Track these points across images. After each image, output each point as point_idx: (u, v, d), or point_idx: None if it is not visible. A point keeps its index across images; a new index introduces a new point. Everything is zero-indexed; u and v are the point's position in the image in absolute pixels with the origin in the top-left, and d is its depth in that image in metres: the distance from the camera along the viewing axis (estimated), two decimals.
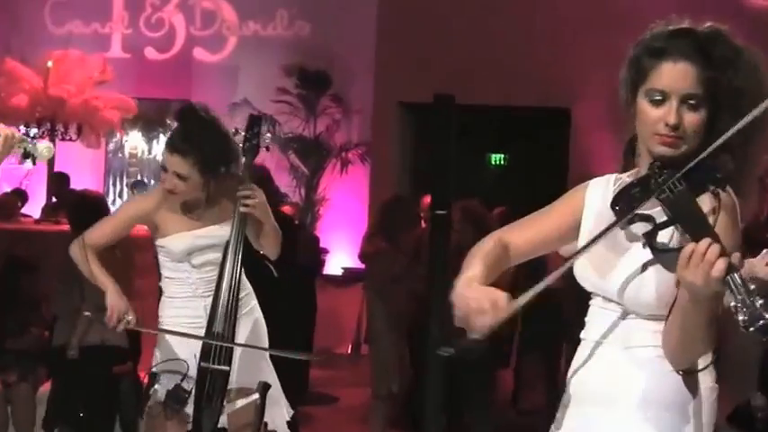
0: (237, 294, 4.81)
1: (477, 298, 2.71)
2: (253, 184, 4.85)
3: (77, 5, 15.25)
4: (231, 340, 4.76)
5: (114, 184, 15.45)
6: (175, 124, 4.94)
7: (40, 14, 15.29)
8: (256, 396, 4.88)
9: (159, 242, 4.95)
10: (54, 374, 7.29)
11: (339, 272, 13.40)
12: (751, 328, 2.31)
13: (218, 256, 4.87)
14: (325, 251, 12.96)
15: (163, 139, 14.84)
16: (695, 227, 2.53)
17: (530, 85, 12.25)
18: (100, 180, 14.98)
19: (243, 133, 5.00)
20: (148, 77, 14.67)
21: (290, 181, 13.69)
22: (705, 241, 2.43)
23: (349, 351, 12.66)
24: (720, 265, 2.39)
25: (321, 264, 12.48)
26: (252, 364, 4.95)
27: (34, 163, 4.42)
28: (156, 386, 4.82)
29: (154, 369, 4.83)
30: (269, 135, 5.22)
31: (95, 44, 14.71)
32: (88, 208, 7.01)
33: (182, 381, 4.73)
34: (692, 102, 2.70)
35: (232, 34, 14.98)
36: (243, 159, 4.93)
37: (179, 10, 15.17)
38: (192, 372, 4.78)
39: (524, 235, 3.00)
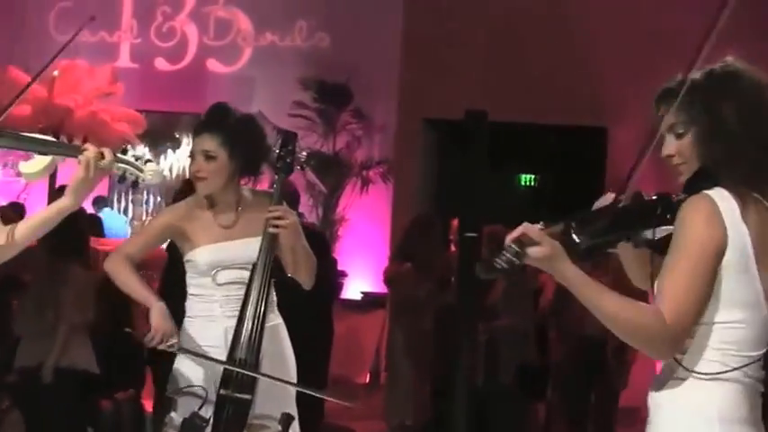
0: (263, 321, 4.74)
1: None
2: (284, 205, 4.82)
3: (84, 13, 14.87)
4: (255, 369, 4.68)
5: (120, 200, 15.18)
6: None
7: (45, 22, 15.04)
8: (279, 429, 4.70)
9: (187, 256, 4.88)
10: (20, 401, 7.18)
11: (358, 296, 13.17)
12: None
13: (244, 275, 4.79)
14: (344, 274, 12.69)
15: (171, 154, 14.58)
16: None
17: (563, 103, 12.10)
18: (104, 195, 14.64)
19: (276, 151, 4.86)
20: (158, 89, 14.46)
21: (306, 200, 13.26)
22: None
23: (367, 380, 12.32)
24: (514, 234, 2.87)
25: (339, 287, 12.12)
26: (275, 392, 4.81)
27: (135, 186, 4.23)
28: (172, 413, 4.69)
29: (170, 394, 4.73)
30: (304, 153, 4.93)
31: (103, 53, 14.44)
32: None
33: (199, 408, 4.61)
34: (677, 131, 3.07)
35: (247, 45, 14.76)
36: (276, 177, 4.86)
37: (191, 19, 14.94)
38: (211, 398, 4.69)
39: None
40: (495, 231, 7.72)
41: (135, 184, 4.21)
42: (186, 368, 4.82)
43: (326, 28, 14.27)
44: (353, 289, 13.18)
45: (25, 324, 7.11)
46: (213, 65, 14.82)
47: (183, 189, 8.54)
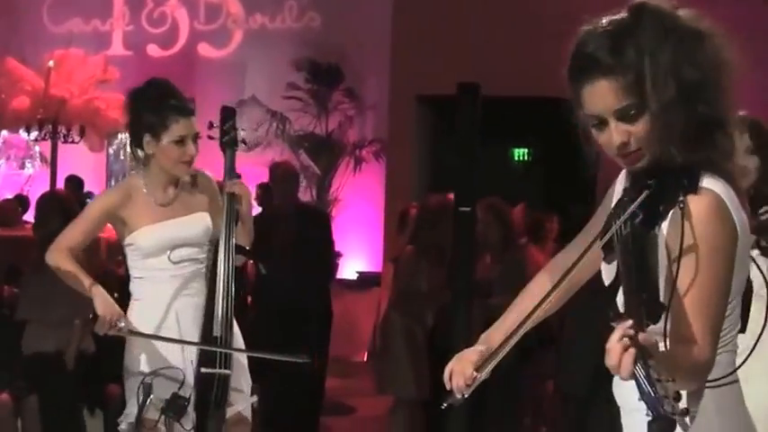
0: (233, 295, 4.79)
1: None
2: (238, 179, 4.89)
3: (76, 3, 15.30)
4: (229, 344, 4.77)
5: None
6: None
7: (39, 13, 15.32)
8: (255, 398, 4.93)
9: (129, 239, 4.87)
10: (37, 386, 7.18)
11: (353, 276, 13.39)
12: (653, 425, 2.24)
13: (193, 251, 4.88)
14: (339, 254, 12.86)
15: None
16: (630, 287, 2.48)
17: (555, 76, 12.03)
18: (101, 184, 14.90)
19: (217, 127, 4.99)
20: (151, 75, 14.35)
21: (300, 181, 13.50)
22: (616, 334, 2.29)
23: (365, 359, 12.50)
24: (627, 359, 2.27)
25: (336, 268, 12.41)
26: (239, 365, 4.92)
27: None
28: (151, 397, 4.67)
29: (147, 379, 4.67)
30: (243, 130, 5.14)
31: (96, 42, 14.74)
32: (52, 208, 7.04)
33: (179, 389, 4.63)
34: (629, 113, 2.59)
35: (238, 28, 15.00)
36: (225, 154, 4.94)
37: (181, 4, 15.19)
38: (189, 379, 4.71)
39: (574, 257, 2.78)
40: (491, 203, 7.83)
41: None
42: (158, 351, 4.79)
43: (316, 8, 14.46)
44: (349, 269, 13.34)
45: (30, 309, 7.09)
46: (205, 49, 15.05)
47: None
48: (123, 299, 7.28)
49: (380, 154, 13.78)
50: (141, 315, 4.85)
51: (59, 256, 4.76)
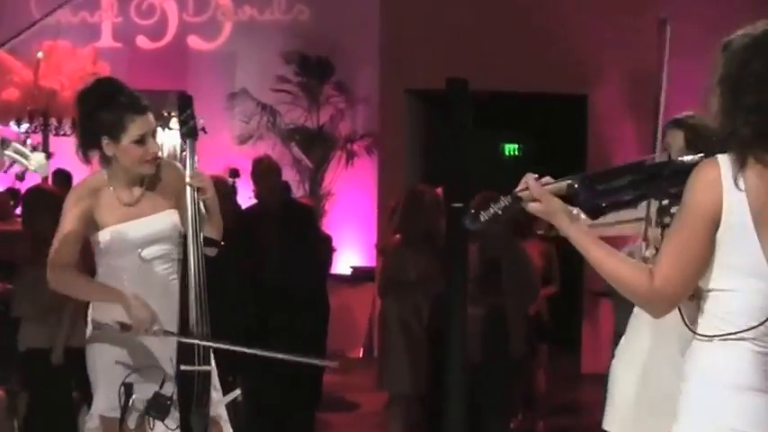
0: (206, 288, 4.70)
1: None
2: (198, 171, 4.80)
3: None
4: (207, 338, 4.70)
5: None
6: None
7: (26, 3, 15.31)
8: (238, 392, 4.97)
9: (95, 237, 4.77)
10: (29, 382, 7.19)
11: (348, 271, 13.44)
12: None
13: (165, 248, 4.82)
14: (333, 249, 12.93)
15: (160, 132, 14.78)
16: None
17: (544, 71, 12.18)
18: None
19: (174, 116, 4.89)
20: (141, 67, 14.57)
21: (293, 175, 13.60)
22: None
23: (361, 354, 12.75)
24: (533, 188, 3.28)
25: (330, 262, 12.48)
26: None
27: (21, 178, 4.20)
28: (133, 397, 4.65)
29: (128, 379, 4.64)
30: (201, 120, 5.04)
31: (84, 34, 14.75)
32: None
33: (160, 388, 4.62)
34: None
35: (227, 20, 15.03)
36: (185, 145, 4.82)
37: None
38: (170, 377, 4.70)
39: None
40: (488, 197, 7.84)
41: (21, 176, 4.11)
42: (137, 349, 4.72)
43: (305, 0, 14.53)
44: (343, 264, 13.38)
45: (23, 305, 7.06)
46: (194, 41, 15.09)
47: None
48: None
49: (372, 148, 13.83)
50: (104, 311, 4.72)
51: (62, 275, 4.62)
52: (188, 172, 4.76)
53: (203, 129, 5.05)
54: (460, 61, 11.42)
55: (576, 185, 3.21)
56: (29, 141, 4.20)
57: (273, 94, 14.03)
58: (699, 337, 3.09)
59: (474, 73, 7.99)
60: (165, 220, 4.83)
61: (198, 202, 4.77)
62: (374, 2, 13.43)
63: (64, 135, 13.28)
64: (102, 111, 4.63)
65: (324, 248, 10.21)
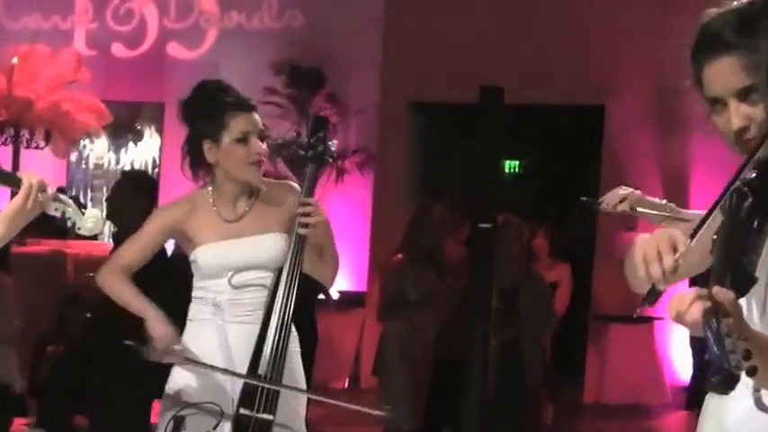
0: (288, 333, 4.51)
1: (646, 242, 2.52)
2: (314, 200, 4.57)
3: None
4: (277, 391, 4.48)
5: (77, 199, 14.81)
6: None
7: None
8: None
9: (192, 256, 4.64)
10: None
11: (335, 295, 12.88)
12: (714, 378, 2.36)
13: (259, 276, 4.57)
14: None
15: (132, 147, 14.39)
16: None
17: (556, 81, 11.91)
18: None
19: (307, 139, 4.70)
20: (116, 77, 14.29)
21: None
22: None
23: (346, 385, 12.56)
24: (696, 307, 2.30)
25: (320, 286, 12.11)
26: (288, 414, 4.62)
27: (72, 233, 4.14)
28: None
29: (183, 412, 4.42)
30: (335, 141, 4.82)
31: (56, 40, 14.25)
32: None
33: (214, 428, 4.42)
34: (751, 94, 2.53)
35: (212, 27, 14.60)
36: (307, 169, 4.61)
37: (150, 0, 14.77)
38: (227, 418, 4.46)
39: None
40: (508, 221, 7.82)
41: (71, 231, 4.04)
42: (198, 381, 4.58)
43: (298, 6, 14.15)
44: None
45: None
46: (175, 49, 14.66)
47: None
48: (104, 317, 6.87)
49: (365, 165, 13.41)
50: (191, 338, 4.61)
51: (111, 277, 4.60)
52: (301, 200, 4.54)
53: (332, 157, 4.82)
54: (465, 72, 11.26)
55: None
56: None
57: (260, 107, 13.36)
58: None
59: (478, 84, 7.82)
60: (269, 243, 4.60)
61: (303, 235, 4.50)
62: (375, 9, 13.19)
63: (36, 148, 12.79)
64: (202, 112, 4.55)
65: None
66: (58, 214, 3.81)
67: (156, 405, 7.72)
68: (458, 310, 8.21)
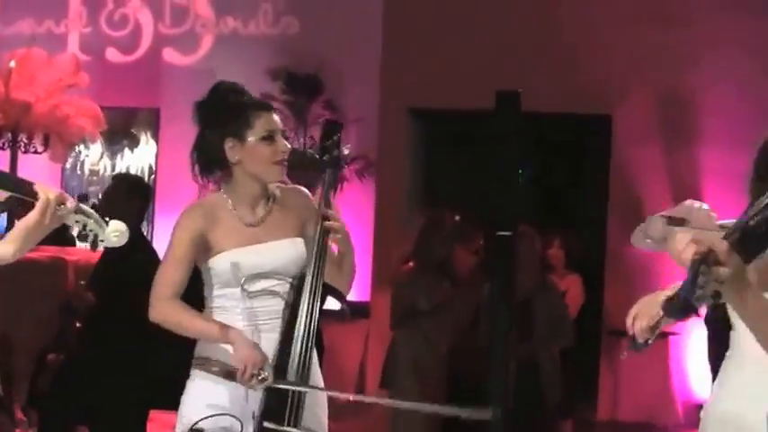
0: (313, 343, 4.44)
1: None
2: (333, 211, 4.52)
3: (28, 1, 14.63)
4: (303, 400, 4.39)
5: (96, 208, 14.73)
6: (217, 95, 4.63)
7: None
8: None
9: (210, 263, 4.50)
10: None
11: (336, 306, 12.74)
12: (670, 302, 2.71)
13: (273, 283, 4.47)
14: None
15: (128, 153, 14.24)
16: None
17: (561, 89, 11.74)
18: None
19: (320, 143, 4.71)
20: (111, 82, 14.09)
21: None
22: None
23: (351, 397, 12.06)
24: (690, 249, 2.74)
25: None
26: (314, 423, 4.61)
27: (95, 247, 3.94)
28: None
29: (199, 425, 4.33)
30: (348, 149, 4.85)
31: (50, 45, 14.07)
32: None
33: None
34: None
35: (207, 32, 14.43)
36: (324, 175, 4.60)
37: (145, 5, 14.62)
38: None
39: None
40: (522, 231, 7.71)
41: (93, 244, 3.93)
42: (216, 392, 4.45)
43: (294, 12, 13.99)
44: (331, 298, 12.85)
45: None
46: (170, 55, 14.51)
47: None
48: (92, 327, 6.81)
49: (364, 172, 13.22)
50: (213, 349, 4.47)
51: (166, 309, 4.41)
52: (322, 205, 4.52)
53: (347, 160, 4.67)
54: (467, 78, 11.28)
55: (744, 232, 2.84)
56: None
57: None
58: None
59: (481, 91, 7.69)
60: (290, 249, 4.52)
61: (325, 242, 4.47)
62: (373, 15, 13.01)
63: (35, 152, 12.61)
64: (225, 112, 4.51)
65: None
66: (78, 227, 3.74)
67: (153, 415, 7.73)
68: (472, 323, 8.12)
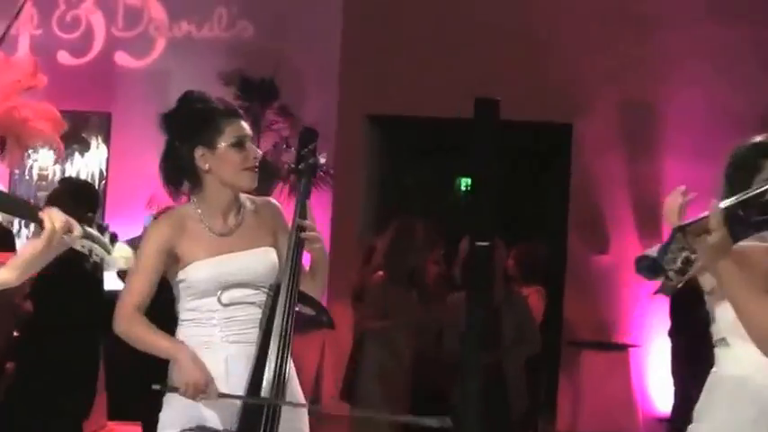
0: (289, 354, 4.43)
1: None
2: (309, 221, 4.54)
3: None
4: (279, 410, 4.37)
5: (102, 228, 14.50)
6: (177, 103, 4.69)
7: None
8: None
9: (181, 274, 4.51)
10: None
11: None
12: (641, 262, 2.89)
13: (249, 293, 4.48)
14: None
15: (78, 158, 14.03)
16: None
17: (521, 97, 11.49)
18: None
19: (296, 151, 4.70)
20: (62, 86, 13.59)
21: None
22: None
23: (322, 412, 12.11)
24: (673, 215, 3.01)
25: None
26: None
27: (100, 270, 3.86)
28: None
29: None
30: (323, 157, 4.92)
31: None
32: None
33: None
34: None
35: (161, 36, 14.25)
36: (300, 183, 4.63)
37: (98, 7, 14.40)
38: None
39: None
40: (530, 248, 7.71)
41: (101, 266, 3.87)
42: (195, 407, 4.43)
43: (249, 16, 13.87)
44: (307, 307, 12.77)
45: None
46: (122, 58, 14.32)
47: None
48: (31, 338, 6.76)
49: (321, 181, 13.00)
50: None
51: (128, 321, 4.44)
52: (296, 216, 4.54)
53: (323, 169, 4.99)
54: (418, 86, 11.37)
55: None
56: None
57: None
58: None
59: (446, 98, 7.62)
60: (262, 259, 4.53)
61: (301, 252, 4.48)
62: (334, 19, 12.94)
63: None
64: (196, 119, 4.53)
65: None
66: (84, 251, 3.71)
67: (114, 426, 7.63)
68: (437, 334, 8.07)
